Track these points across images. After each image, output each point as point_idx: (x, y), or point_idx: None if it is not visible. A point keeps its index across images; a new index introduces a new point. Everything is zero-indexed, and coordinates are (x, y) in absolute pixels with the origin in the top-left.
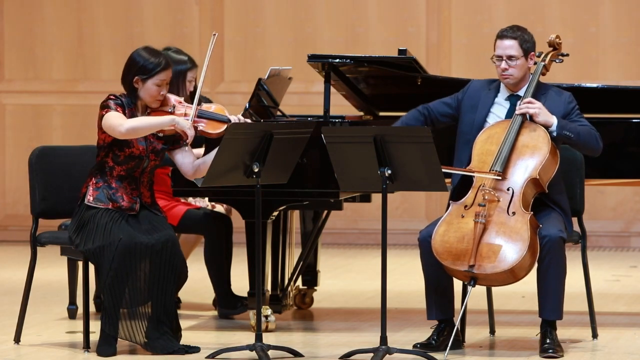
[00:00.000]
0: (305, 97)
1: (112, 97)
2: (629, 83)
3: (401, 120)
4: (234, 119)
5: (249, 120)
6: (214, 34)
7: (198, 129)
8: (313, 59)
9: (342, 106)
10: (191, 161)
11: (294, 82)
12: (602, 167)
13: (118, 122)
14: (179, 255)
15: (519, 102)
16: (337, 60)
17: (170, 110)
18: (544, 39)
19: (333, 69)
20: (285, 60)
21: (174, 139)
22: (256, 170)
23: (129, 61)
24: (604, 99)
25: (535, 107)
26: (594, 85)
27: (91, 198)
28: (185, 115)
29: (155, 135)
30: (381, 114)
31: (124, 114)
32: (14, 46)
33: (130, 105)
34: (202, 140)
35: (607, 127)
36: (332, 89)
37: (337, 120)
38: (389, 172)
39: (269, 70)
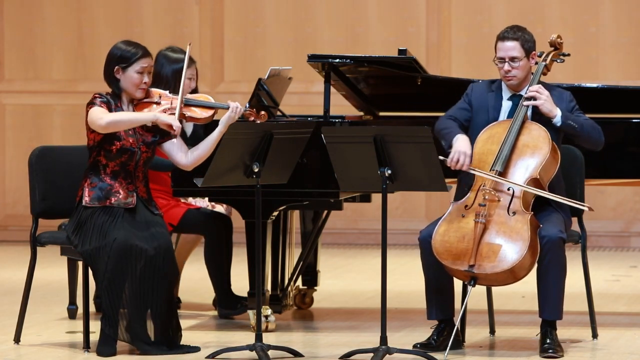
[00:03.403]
0: (305, 97)
1: (97, 95)
2: (629, 83)
3: (444, 124)
4: (233, 105)
5: (241, 108)
6: (189, 44)
7: (186, 115)
8: (313, 59)
9: (342, 106)
10: (183, 153)
11: (294, 82)
12: (602, 167)
13: (99, 116)
14: (172, 263)
15: (525, 90)
16: (337, 60)
17: (156, 100)
18: (544, 38)
19: (333, 69)
20: (285, 60)
21: (163, 131)
22: (256, 170)
23: (108, 55)
24: (604, 99)
25: (543, 97)
26: (594, 85)
27: (88, 198)
28: (172, 105)
29: (144, 127)
30: (381, 114)
31: (110, 109)
32: (14, 46)
33: (116, 101)
34: (202, 140)
35: (607, 127)
36: (332, 89)
37: (337, 120)
38: (389, 172)
39: (269, 70)
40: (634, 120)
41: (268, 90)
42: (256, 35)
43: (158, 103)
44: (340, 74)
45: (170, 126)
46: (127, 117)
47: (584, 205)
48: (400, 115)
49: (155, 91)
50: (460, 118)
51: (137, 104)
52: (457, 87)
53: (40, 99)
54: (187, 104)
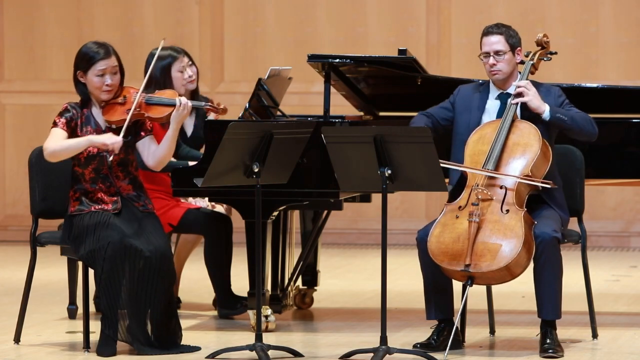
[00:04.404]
0: (305, 97)
1: (66, 107)
2: (629, 83)
3: (414, 119)
4: (181, 100)
5: (190, 103)
6: (163, 39)
7: (146, 115)
8: (313, 59)
9: (342, 106)
10: (150, 153)
11: (294, 82)
12: (602, 167)
13: (44, 146)
14: (169, 263)
15: (513, 87)
16: (337, 60)
17: (120, 101)
18: None
19: (333, 69)
20: (285, 60)
21: (135, 131)
22: (256, 170)
23: (75, 58)
24: (604, 99)
25: (530, 93)
26: (594, 85)
27: (73, 209)
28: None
29: (111, 129)
30: (381, 114)
31: (75, 124)
32: (14, 46)
33: (86, 105)
34: (201, 140)
35: (607, 127)
36: (332, 89)
37: (337, 120)
38: (389, 172)
39: (269, 70)
40: (634, 120)
41: (268, 90)
42: (256, 35)
43: (122, 104)
44: (340, 74)
45: (107, 148)
46: (65, 145)
47: (546, 183)
48: (400, 115)
49: (126, 90)
50: (437, 115)
51: (105, 106)
52: (457, 87)
53: (40, 99)
54: (148, 102)
